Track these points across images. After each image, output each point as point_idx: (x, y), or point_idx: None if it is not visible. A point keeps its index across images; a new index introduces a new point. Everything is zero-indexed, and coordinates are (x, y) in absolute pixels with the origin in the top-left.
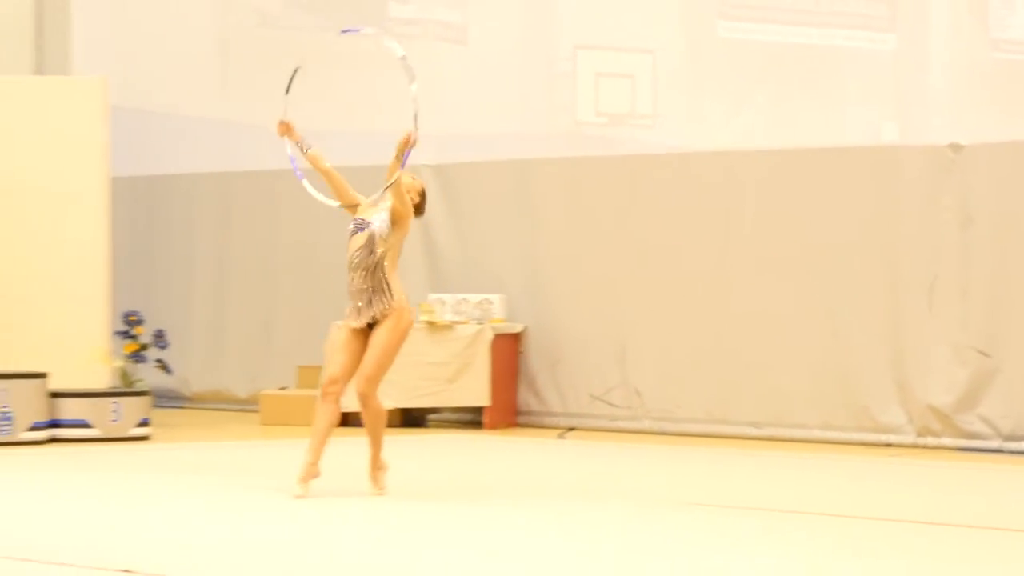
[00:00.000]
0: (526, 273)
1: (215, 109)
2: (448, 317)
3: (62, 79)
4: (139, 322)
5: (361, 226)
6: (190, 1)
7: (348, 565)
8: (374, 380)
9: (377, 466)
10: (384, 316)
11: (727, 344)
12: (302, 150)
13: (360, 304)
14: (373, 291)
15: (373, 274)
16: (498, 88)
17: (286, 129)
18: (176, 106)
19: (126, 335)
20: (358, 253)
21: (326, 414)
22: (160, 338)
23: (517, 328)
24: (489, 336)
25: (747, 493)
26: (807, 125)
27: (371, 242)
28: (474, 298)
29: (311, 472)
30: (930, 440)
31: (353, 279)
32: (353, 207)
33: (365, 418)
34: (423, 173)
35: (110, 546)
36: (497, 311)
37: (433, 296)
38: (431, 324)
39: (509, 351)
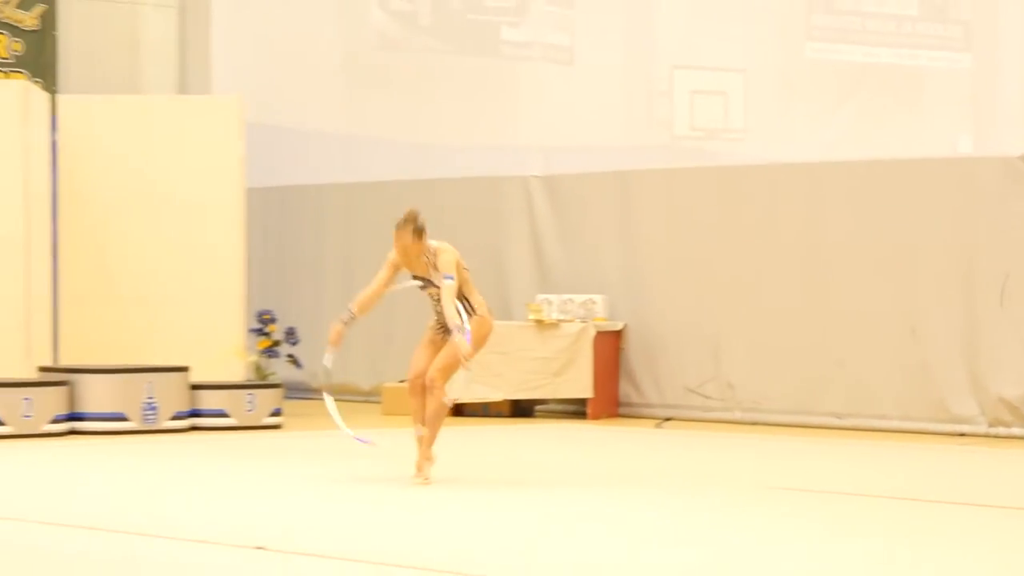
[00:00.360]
0: (626, 275)
1: (340, 125)
2: (555, 316)
3: (203, 98)
4: (272, 320)
5: (423, 284)
6: (318, 25)
7: (474, 548)
8: (443, 371)
9: (426, 456)
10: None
11: (813, 340)
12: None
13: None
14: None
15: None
16: (602, 105)
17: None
18: (305, 122)
19: (260, 332)
20: (429, 298)
21: (414, 405)
22: (291, 335)
23: (618, 326)
24: (592, 333)
25: (831, 479)
26: (888, 138)
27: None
28: (579, 298)
29: (425, 457)
30: (1001, 430)
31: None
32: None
33: (427, 407)
34: (532, 184)
35: (245, 525)
36: (600, 310)
37: (541, 297)
38: (539, 322)
39: (611, 347)
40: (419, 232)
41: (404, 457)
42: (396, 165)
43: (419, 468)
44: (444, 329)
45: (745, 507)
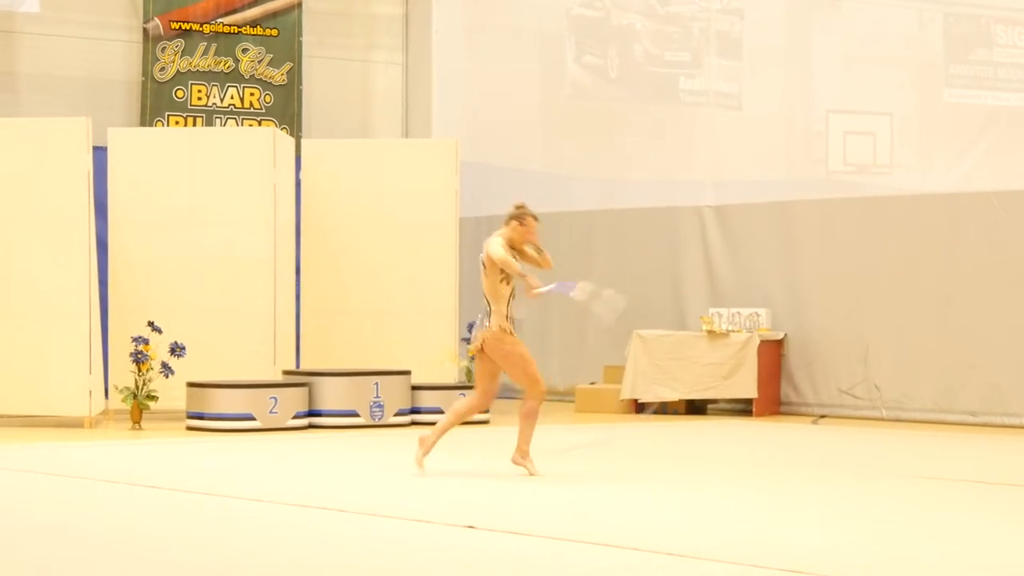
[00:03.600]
0: (787, 291)
1: (540, 162)
2: (724, 327)
3: (424, 141)
4: None
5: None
6: (522, 78)
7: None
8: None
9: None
10: None
11: (950, 346)
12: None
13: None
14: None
15: None
16: (766, 144)
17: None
18: (510, 160)
19: (470, 341)
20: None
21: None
22: None
23: (779, 335)
24: (757, 342)
25: (967, 470)
26: (1016, 171)
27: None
28: (745, 311)
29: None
30: None
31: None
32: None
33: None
34: (705, 213)
35: (458, 507)
36: (763, 322)
37: (712, 310)
38: (711, 332)
39: (773, 354)
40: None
41: (599, 451)
42: (587, 197)
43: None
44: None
45: (889, 493)
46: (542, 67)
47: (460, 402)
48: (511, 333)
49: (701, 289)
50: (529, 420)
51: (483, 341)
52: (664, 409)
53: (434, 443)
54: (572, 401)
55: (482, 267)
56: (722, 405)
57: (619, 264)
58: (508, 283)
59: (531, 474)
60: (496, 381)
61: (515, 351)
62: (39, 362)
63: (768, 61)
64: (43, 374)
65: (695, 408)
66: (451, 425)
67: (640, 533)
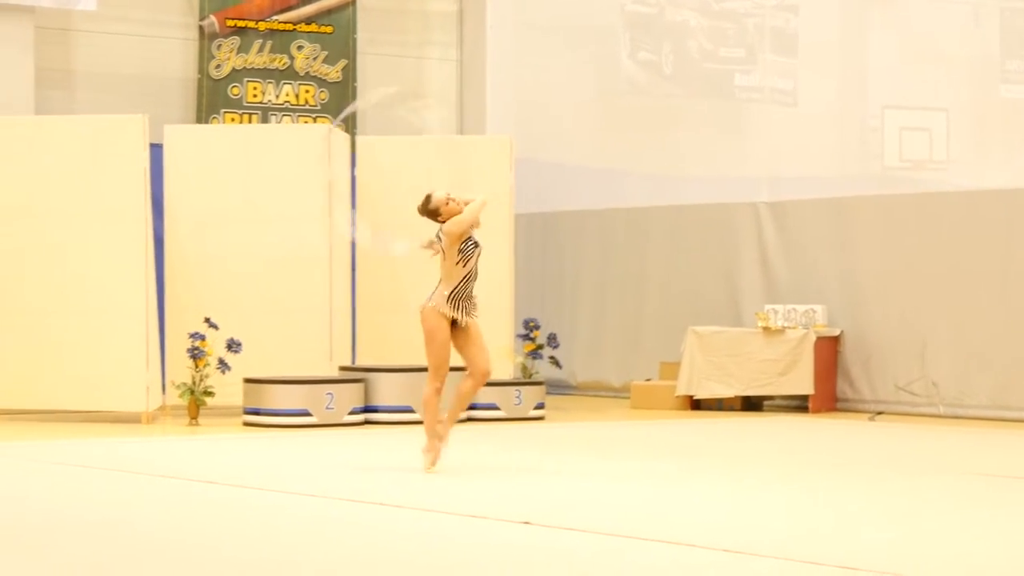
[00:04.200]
0: (843, 287)
1: (595, 159)
2: (780, 323)
3: (479, 138)
4: (536, 327)
5: (477, 244)
6: (577, 74)
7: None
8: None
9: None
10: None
11: (1008, 343)
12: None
13: (467, 306)
14: (473, 295)
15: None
16: (821, 140)
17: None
18: (565, 157)
19: (526, 337)
20: (476, 268)
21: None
22: (553, 339)
23: (836, 332)
24: (813, 338)
25: None
26: None
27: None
28: (801, 308)
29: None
30: None
31: (468, 287)
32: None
33: (474, 392)
34: (760, 209)
35: (513, 502)
36: (819, 318)
37: (768, 306)
38: (766, 329)
39: (829, 350)
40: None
41: (647, 444)
42: (643, 193)
43: (443, 439)
44: (470, 313)
45: (946, 490)
46: (596, 63)
47: (462, 384)
48: (445, 317)
49: (757, 285)
50: (424, 407)
51: (421, 310)
52: (720, 406)
53: (448, 432)
54: (627, 397)
55: (442, 252)
56: (778, 402)
57: (674, 260)
58: (464, 266)
59: (425, 463)
60: (475, 346)
61: (438, 334)
62: (97, 358)
63: (823, 57)
64: (101, 370)
65: (751, 404)
66: (461, 410)
67: (696, 529)
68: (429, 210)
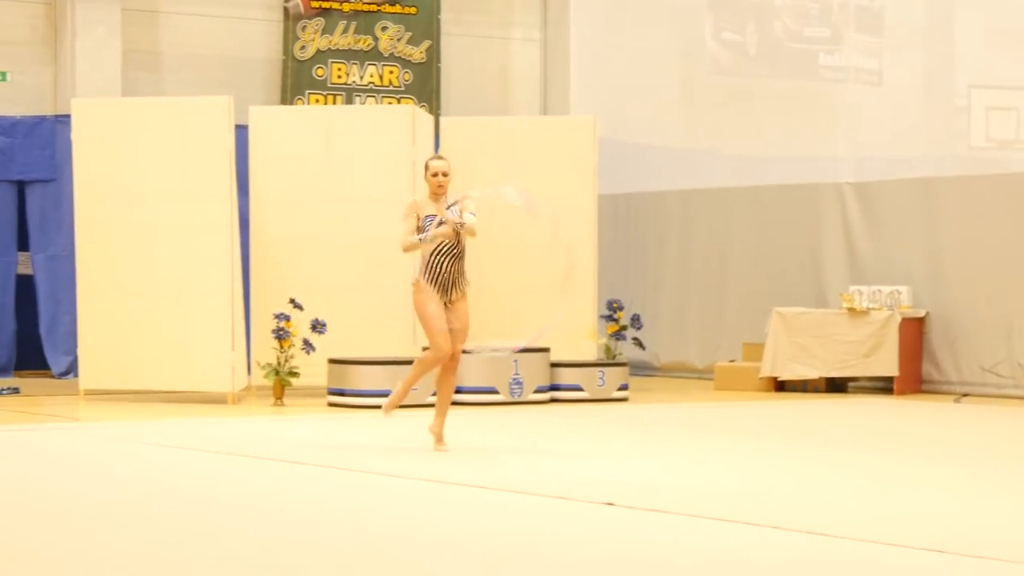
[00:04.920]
0: (929, 268)
1: (678, 139)
2: (864, 304)
3: (562, 118)
4: (620, 308)
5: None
6: (660, 54)
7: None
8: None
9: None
10: (464, 295)
11: None
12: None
13: (448, 284)
14: (460, 274)
15: (461, 261)
16: (906, 120)
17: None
18: (648, 137)
19: (610, 319)
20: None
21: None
22: (636, 321)
23: (921, 313)
24: (898, 319)
25: None
26: None
27: (458, 236)
28: (886, 289)
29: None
30: None
31: (443, 264)
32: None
33: (452, 379)
34: (845, 189)
35: (597, 483)
36: (904, 299)
37: (853, 288)
38: (851, 310)
39: (914, 331)
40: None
41: (731, 426)
42: (726, 174)
43: (440, 440)
44: (450, 292)
45: None
46: (680, 43)
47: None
48: (422, 290)
49: (841, 266)
50: (416, 367)
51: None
52: (805, 387)
53: (403, 397)
54: (711, 379)
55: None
56: (862, 383)
57: (758, 241)
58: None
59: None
60: (454, 320)
61: (421, 309)
62: (183, 339)
63: (909, 36)
64: (187, 351)
65: (835, 386)
66: (417, 379)
67: (779, 511)
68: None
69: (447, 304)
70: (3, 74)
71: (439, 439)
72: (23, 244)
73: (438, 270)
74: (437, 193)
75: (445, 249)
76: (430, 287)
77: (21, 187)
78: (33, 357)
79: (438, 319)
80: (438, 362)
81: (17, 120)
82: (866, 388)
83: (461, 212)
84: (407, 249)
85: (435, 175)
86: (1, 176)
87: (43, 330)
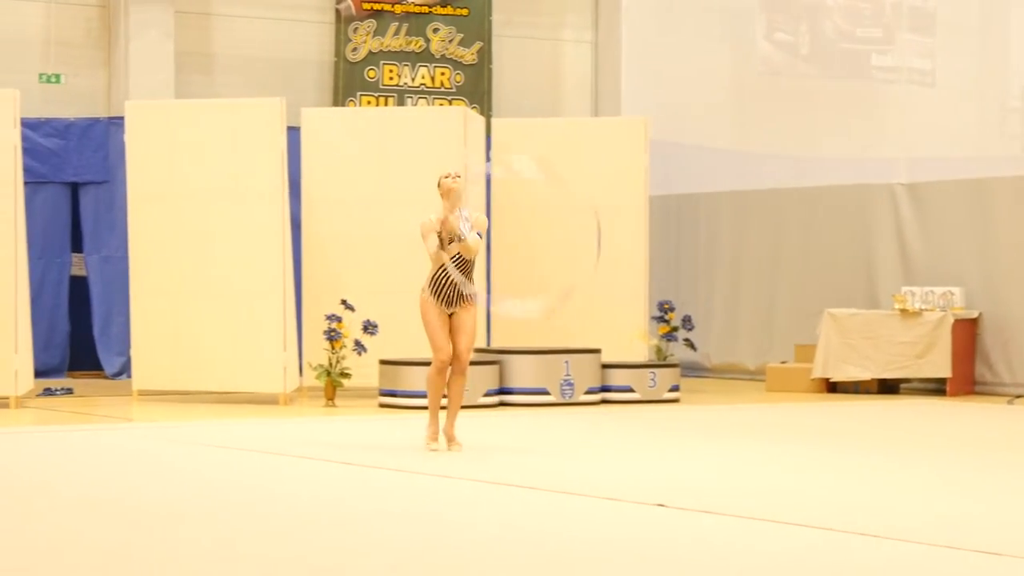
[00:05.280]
0: (982, 269)
1: (729, 140)
2: (917, 305)
3: (614, 119)
4: (671, 309)
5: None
6: (711, 55)
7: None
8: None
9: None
10: (470, 304)
11: None
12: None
13: (452, 296)
14: (466, 285)
15: (469, 272)
16: (959, 120)
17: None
18: (699, 138)
19: (660, 320)
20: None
21: (442, 384)
22: (687, 322)
23: (974, 314)
24: (951, 321)
25: None
26: None
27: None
28: (938, 290)
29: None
30: None
31: (449, 276)
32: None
33: (462, 381)
34: (897, 190)
35: (648, 485)
36: (957, 300)
37: (905, 288)
38: (904, 311)
39: (967, 333)
40: None
41: (782, 428)
42: (778, 175)
43: (451, 440)
44: (453, 303)
45: None
46: (732, 44)
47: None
48: (424, 301)
49: (893, 267)
50: (426, 385)
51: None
52: (856, 389)
53: (436, 420)
54: (762, 380)
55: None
56: (915, 384)
57: (810, 242)
58: (443, 248)
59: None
60: (455, 335)
61: (426, 313)
62: (236, 340)
63: (962, 36)
64: (239, 352)
65: (887, 387)
66: (437, 397)
67: (831, 513)
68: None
69: (453, 314)
70: (57, 76)
71: (451, 439)
72: (77, 246)
73: (443, 281)
74: (451, 197)
75: (452, 261)
76: (432, 298)
77: (75, 189)
78: (86, 358)
79: (437, 330)
80: (440, 371)
81: (71, 122)
82: (918, 390)
83: (472, 227)
84: (435, 260)
85: (447, 176)
86: (55, 178)
87: (96, 331)
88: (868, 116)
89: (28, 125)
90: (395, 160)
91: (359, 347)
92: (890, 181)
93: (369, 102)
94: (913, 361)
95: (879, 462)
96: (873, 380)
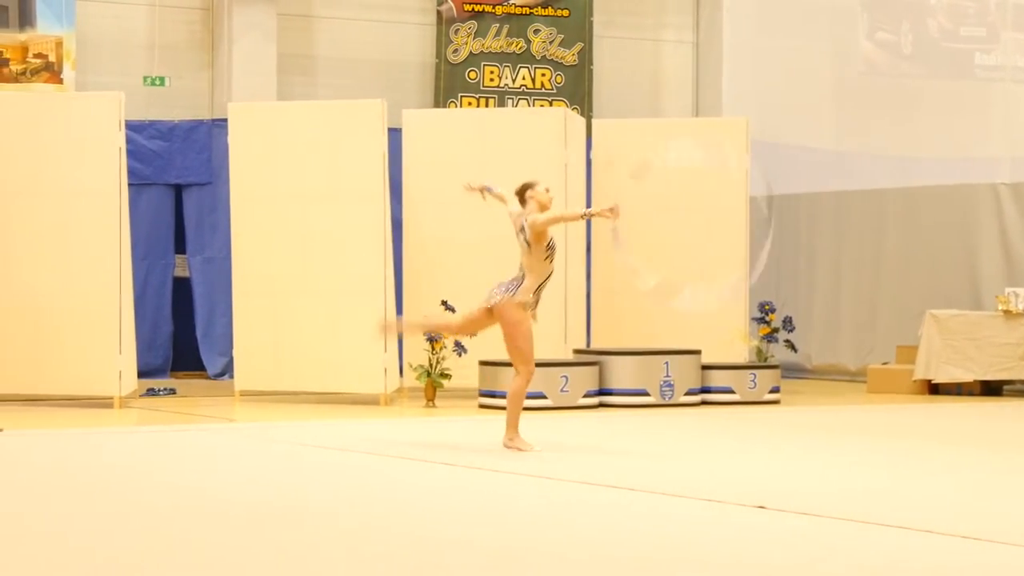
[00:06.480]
0: None
1: (831, 140)
2: (1021, 306)
3: (715, 120)
4: (772, 310)
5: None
6: (813, 55)
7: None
8: (519, 356)
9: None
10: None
11: None
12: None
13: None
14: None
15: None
16: None
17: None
18: (800, 138)
19: (761, 321)
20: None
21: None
22: (788, 323)
23: None
24: None
25: None
26: None
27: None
28: None
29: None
30: None
31: (546, 284)
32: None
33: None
34: (1001, 190)
35: (749, 486)
36: None
37: (1009, 289)
38: (1007, 312)
39: None
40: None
41: (884, 430)
42: (879, 175)
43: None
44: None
45: None
46: (834, 43)
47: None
48: (526, 311)
49: (997, 268)
50: (516, 399)
51: (499, 304)
52: (959, 391)
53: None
54: (864, 381)
55: (525, 245)
56: (1018, 386)
57: (911, 243)
58: (551, 262)
59: (526, 451)
60: (478, 327)
61: (525, 324)
62: (337, 341)
63: None
64: (341, 352)
65: (990, 389)
66: (519, 410)
67: (934, 516)
68: (523, 188)
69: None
70: (161, 79)
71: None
72: (180, 247)
73: (540, 293)
74: (530, 207)
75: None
76: (525, 310)
77: (178, 190)
78: (189, 358)
79: (532, 341)
80: (528, 385)
81: (175, 124)
82: (1022, 391)
83: (529, 227)
84: (544, 270)
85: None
86: (159, 179)
87: (199, 332)
88: (971, 115)
89: (132, 127)
90: (496, 161)
91: (459, 348)
92: (993, 181)
93: (470, 103)
94: (1017, 362)
95: (981, 464)
96: (976, 382)
